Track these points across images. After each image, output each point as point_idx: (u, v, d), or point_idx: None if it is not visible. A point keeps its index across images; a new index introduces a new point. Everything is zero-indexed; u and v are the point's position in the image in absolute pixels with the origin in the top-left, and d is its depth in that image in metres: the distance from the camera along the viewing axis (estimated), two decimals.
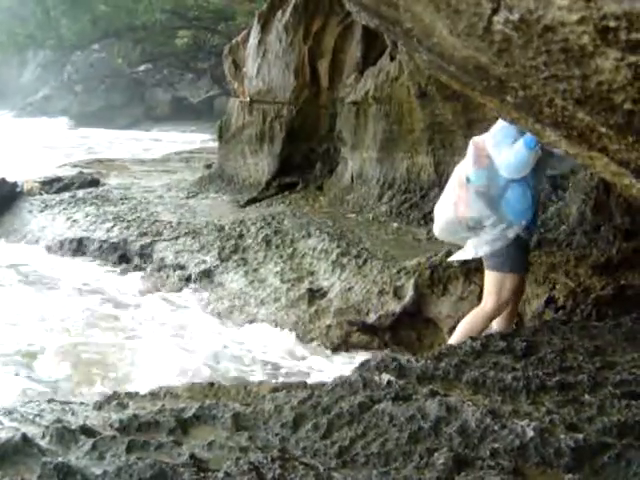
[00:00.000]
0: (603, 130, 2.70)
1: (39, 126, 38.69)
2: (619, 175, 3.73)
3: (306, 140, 12.61)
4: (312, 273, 8.33)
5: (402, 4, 2.74)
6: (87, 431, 3.40)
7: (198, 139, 29.22)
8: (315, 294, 7.93)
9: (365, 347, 7.31)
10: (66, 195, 13.43)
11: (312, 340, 7.47)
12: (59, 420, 3.59)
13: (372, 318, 7.30)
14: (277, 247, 9.16)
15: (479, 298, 6.97)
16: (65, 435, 3.32)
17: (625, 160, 3.10)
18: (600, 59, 2.12)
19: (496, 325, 5.55)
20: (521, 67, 2.42)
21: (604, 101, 2.32)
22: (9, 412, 3.75)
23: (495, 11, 2.23)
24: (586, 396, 3.64)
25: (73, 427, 3.42)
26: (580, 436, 3.12)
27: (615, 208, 6.99)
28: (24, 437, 3.15)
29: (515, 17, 2.18)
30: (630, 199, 5.11)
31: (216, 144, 15.22)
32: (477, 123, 8.87)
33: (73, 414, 3.87)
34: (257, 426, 3.56)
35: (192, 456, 3.15)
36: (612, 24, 1.96)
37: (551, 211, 7.51)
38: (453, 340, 5.36)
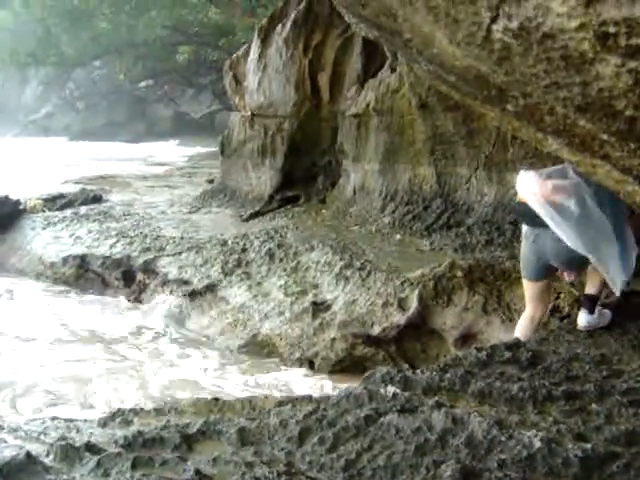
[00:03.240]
0: (605, 137, 2.69)
1: (42, 143, 38.81)
2: (622, 182, 3.71)
3: (308, 153, 12.62)
4: (316, 286, 8.31)
5: (401, 14, 2.73)
6: (92, 448, 3.38)
7: (200, 154, 29.26)
8: (319, 307, 7.91)
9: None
10: (69, 212, 13.44)
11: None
12: (63, 437, 3.57)
13: (376, 330, 7.28)
14: (280, 261, 9.15)
15: (483, 308, 6.98)
16: (69, 452, 3.31)
17: (628, 167, 3.08)
18: (600, 65, 2.11)
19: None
20: (521, 75, 2.41)
21: (605, 108, 2.31)
22: (13, 430, 3.74)
23: (494, 19, 2.23)
24: (593, 405, 3.62)
25: (77, 444, 3.41)
26: (588, 446, 3.10)
27: None
28: (28, 455, 3.13)
29: (514, 25, 2.17)
30: (633, 206, 5.09)
31: (218, 159, 15.24)
32: (478, 133, 8.88)
33: (78, 431, 3.85)
34: (262, 441, 3.54)
35: (197, 472, 3.13)
36: (612, 30, 1.95)
37: None
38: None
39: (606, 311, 5.69)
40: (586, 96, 2.30)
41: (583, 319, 5.65)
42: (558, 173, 5.26)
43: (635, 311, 5.56)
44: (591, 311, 5.64)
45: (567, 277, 5.97)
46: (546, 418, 3.48)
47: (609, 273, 5.21)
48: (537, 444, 3.10)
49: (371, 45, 11.26)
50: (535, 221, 5.35)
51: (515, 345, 4.83)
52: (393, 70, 10.31)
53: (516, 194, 5.85)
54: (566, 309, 6.32)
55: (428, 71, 3.43)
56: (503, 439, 3.18)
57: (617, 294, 5.33)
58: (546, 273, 5.71)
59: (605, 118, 2.40)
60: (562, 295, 6.40)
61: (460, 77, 2.94)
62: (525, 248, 5.74)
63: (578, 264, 5.56)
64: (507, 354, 4.51)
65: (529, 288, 5.80)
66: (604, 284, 5.44)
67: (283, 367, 7.58)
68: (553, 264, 5.60)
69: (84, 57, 35.89)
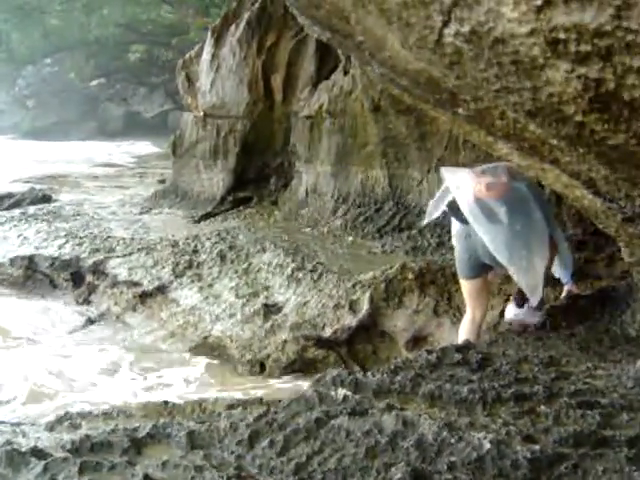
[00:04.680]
0: (554, 142, 2.72)
1: None
2: (570, 187, 3.76)
3: (260, 154, 12.60)
4: (267, 288, 8.29)
5: (353, 17, 2.74)
6: (38, 453, 3.32)
7: (152, 154, 29.02)
8: (270, 309, 7.89)
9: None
10: (17, 212, 13.22)
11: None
12: (9, 442, 3.50)
13: (328, 332, 7.28)
14: (232, 262, 9.10)
15: (434, 311, 7.02)
16: (15, 457, 3.24)
17: (576, 172, 3.12)
18: (550, 71, 2.14)
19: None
20: (472, 79, 2.43)
21: (555, 113, 2.34)
22: None
23: (446, 24, 2.24)
24: (542, 407, 3.65)
25: (24, 449, 3.34)
26: (537, 447, 3.12)
27: (567, 220, 7.07)
28: None
29: (466, 29, 2.18)
30: (581, 210, 5.16)
31: (170, 159, 15.12)
32: (431, 136, 8.94)
33: (24, 436, 3.78)
34: (212, 444, 3.50)
35: (146, 476, 3.09)
36: (562, 36, 1.97)
37: None
38: None
39: (538, 312, 5.73)
40: (536, 101, 2.33)
41: (509, 312, 5.72)
42: (491, 171, 5.25)
43: (582, 314, 5.64)
44: (519, 305, 5.71)
45: (494, 275, 5.99)
46: (495, 420, 3.50)
47: (524, 287, 5.28)
48: (487, 446, 3.11)
49: (325, 47, 11.27)
50: (462, 217, 5.34)
51: (465, 347, 4.85)
52: (346, 72, 10.33)
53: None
54: None
55: (380, 74, 3.44)
56: (453, 441, 3.19)
57: (533, 304, 5.42)
58: (480, 271, 5.70)
59: (555, 123, 2.43)
60: (511, 298, 6.46)
61: (412, 80, 2.95)
62: (458, 246, 5.75)
63: None
64: (457, 356, 4.53)
65: (466, 287, 5.80)
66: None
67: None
68: (485, 262, 5.60)
69: (34, 54, 35.43)
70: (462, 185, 5.22)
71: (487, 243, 5.16)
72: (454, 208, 5.42)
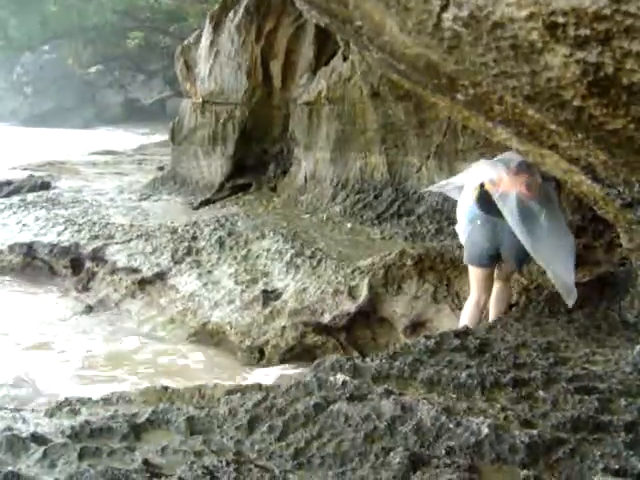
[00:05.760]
0: (553, 127, 2.71)
1: None
2: (569, 172, 3.76)
3: (259, 141, 12.57)
4: (266, 274, 8.29)
5: (352, 1, 2.73)
6: (38, 439, 3.33)
7: (151, 141, 28.94)
8: (269, 295, 7.90)
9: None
10: (16, 199, 13.18)
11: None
12: (9, 428, 3.51)
13: (327, 318, 7.29)
14: (231, 249, 9.11)
15: (433, 297, 7.04)
16: (15, 443, 3.25)
17: (575, 157, 3.12)
18: (549, 55, 2.13)
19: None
20: (471, 64, 2.42)
21: (554, 97, 2.33)
22: None
23: (444, 8, 2.23)
24: (540, 392, 3.66)
25: (23, 435, 3.35)
26: (534, 432, 3.14)
27: (566, 206, 7.07)
28: None
29: (464, 14, 2.18)
30: (580, 196, 5.16)
31: (169, 146, 15.09)
32: (429, 122, 8.92)
33: (24, 422, 3.78)
34: (211, 429, 3.52)
35: (145, 462, 3.10)
36: (560, 20, 1.96)
37: None
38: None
39: None
40: (535, 86, 2.32)
41: None
42: (525, 169, 5.28)
43: (581, 299, 5.64)
44: None
45: (509, 268, 6.01)
46: (494, 405, 3.52)
47: (560, 288, 5.29)
48: (485, 431, 3.12)
49: (323, 33, 11.23)
50: (493, 210, 5.38)
51: (464, 333, 4.86)
52: (345, 58, 10.30)
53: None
54: (514, 297, 6.39)
55: (379, 59, 3.43)
56: (451, 426, 3.20)
57: (569, 305, 5.41)
58: (494, 261, 5.78)
59: (553, 108, 2.42)
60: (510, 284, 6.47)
61: (410, 65, 2.94)
62: (475, 233, 5.76)
63: (528, 260, 5.65)
64: (456, 342, 4.54)
65: (475, 273, 5.86)
66: None
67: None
68: (502, 253, 5.66)
69: (33, 41, 35.26)
70: (500, 181, 5.27)
71: (526, 244, 5.21)
72: (484, 199, 5.45)
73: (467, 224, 5.89)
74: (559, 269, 5.27)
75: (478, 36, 2.23)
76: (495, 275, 5.94)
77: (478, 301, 5.83)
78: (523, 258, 5.63)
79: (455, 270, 7.08)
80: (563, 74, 2.18)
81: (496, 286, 5.96)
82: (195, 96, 13.70)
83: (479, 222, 5.72)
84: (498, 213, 5.37)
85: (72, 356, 7.56)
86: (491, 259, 5.79)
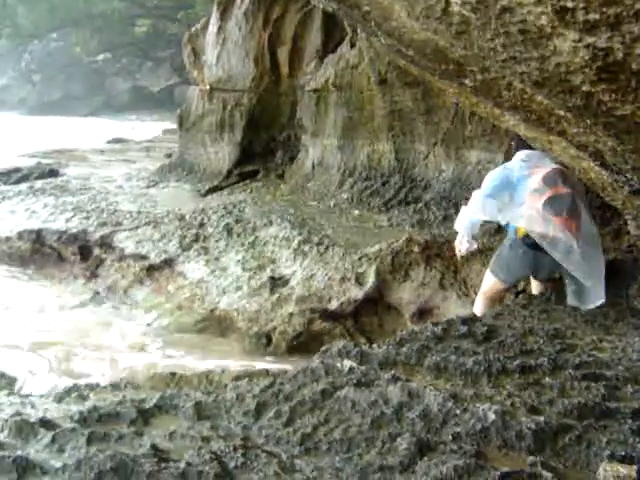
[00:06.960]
0: (561, 113, 2.70)
1: None
2: (577, 159, 3.74)
3: (267, 128, 12.56)
4: (274, 261, 8.30)
5: None
6: (46, 424, 3.35)
7: (158, 128, 28.93)
8: (277, 282, 7.90)
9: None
10: (24, 186, 13.21)
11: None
12: (18, 413, 3.53)
13: (334, 305, 7.30)
14: (238, 235, 9.11)
15: (440, 284, 7.04)
16: (24, 428, 3.28)
17: (583, 143, 3.10)
18: (558, 40, 2.12)
19: None
20: (479, 49, 2.41)
21: (562, 83, 2.32)
22: None
23: None
24: (547, 379, 3.67)
25: (32, 420, 3.37)
26: (541, 418, 3.14)
27: None
28: None
29: None
30: (588, 184, 5.14)
31: (176, 133, 15.09)
32: (437, 109, 8.90)
33: (33, 407, 3.81)
34: (219, 415, 3.53)
35: (153, 446, 3.11)
36: (569, 4, 1.95)
37: None
38: None
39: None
40: (543, 71, 2.31)
41: None
42: (549, 181, 5.19)
43: None
44: None
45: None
46: (500, 391, 3.52)
47: (592, 296, 5.27)
48: (491, 417, 3.13)
49: (331, 20, 11.21)
50: (535, 246, 5.31)
51: (471, 320, 4.87)
52: (353, 45, 10.27)
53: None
54: (521, 284, 6.38)
55: (387, 45, 3.42)
56: (458, 412, 3.21)
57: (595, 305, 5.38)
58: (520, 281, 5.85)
59: (562, 94, 2.41)
60: None
61: (418, 51, 2.93)
62: (511, 254, 5.62)
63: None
64: (463, 328, 4.54)
65: (497, 286, 5.75)
66: None
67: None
68: (539, 276, 5.70)
69: (40, 29, 35.29)
70: (532, 224, 5.21)
71: (567, 268, 5.20)
72: (530, 237, 5.36)
73: (508, 249, 5.73)
74: (596, 278, 5.24)
75: (486, 21, 2.22)
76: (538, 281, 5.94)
77: (485, 305, 5.79)
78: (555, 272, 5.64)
79: (462, 257, 7.07)
80: (572, 59, 2.17)
81: (538, 288, 5.94)
82: (202, 83, 13.69)
83: (521, 251, 5.56)
84: (540, 248, 5.28)
85: (77, 343, 7.59)
86: (518, 280, 5.93)
